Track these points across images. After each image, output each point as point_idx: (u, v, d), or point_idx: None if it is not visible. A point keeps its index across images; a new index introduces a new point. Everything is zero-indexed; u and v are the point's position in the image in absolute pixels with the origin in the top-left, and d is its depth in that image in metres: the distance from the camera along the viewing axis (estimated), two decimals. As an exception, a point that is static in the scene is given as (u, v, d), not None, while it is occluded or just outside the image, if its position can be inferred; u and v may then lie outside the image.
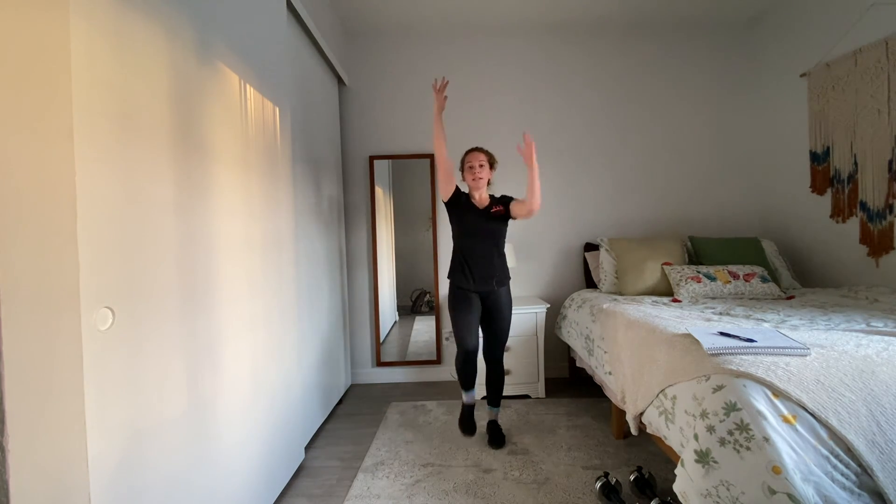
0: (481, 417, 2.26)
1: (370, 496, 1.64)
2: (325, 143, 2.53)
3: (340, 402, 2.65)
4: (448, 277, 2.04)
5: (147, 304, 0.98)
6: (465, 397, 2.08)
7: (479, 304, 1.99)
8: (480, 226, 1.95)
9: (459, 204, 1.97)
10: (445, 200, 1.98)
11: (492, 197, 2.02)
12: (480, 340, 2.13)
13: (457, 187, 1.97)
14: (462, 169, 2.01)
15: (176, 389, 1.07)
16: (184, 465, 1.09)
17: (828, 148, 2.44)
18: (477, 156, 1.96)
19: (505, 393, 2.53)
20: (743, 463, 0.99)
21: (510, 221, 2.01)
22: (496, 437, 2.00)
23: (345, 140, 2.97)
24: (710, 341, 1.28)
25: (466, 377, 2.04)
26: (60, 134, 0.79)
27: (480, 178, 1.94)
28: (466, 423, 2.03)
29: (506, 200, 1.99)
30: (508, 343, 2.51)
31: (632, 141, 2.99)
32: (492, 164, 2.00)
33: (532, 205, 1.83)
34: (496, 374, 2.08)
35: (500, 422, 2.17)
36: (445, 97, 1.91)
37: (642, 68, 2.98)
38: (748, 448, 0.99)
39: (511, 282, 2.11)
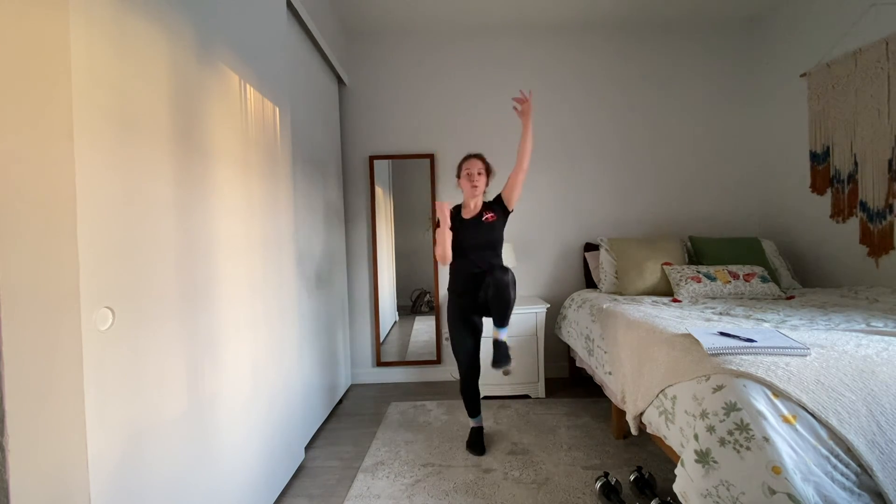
0: (486, 341, 2.16)
1: (370, 496, 1.64)
2: (325, 143, 2.53)
3: (340, 402, 2.65)
4: (448, 290, 2.03)
5: (147, 304, 0.98)
6: (472, 422, 2.06)
7: (478, 323, 2.00)
8: (475, 235, 1.94)
9: (454, 226, 1.96)
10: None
11: (484, 203, 2.01)
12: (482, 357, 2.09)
13: (451, 212, 1.95)
14: (459, 175, 2.01)
15: (176, 389, 1.07)
16: (184, 464, 1.09)
17: (828, 148, 2.44)
18: (475, 163, 1.96)
19: (505, 393, 2.53)
20: (743, 463, 0.99)
21: (510, 216, 2.03)
22: (500, 356, 1.85)
23: (345, 140, 2.97)
24: (710, 341, 1.28)
25: (471, 405, 2.03)
26: (60, 134, 0.79)
27: (477, 187, 1.94)
28: (475, 445, 1.97)
29: (497, 201, 1.99)
30: (508, 343, 2.51)
31: (632, 141, 2.99)
32: (489, 171, 2.00)
33: (522, 163, 1.87)
34: (498, 292, 1.80)
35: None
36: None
37: (642, 69, 2.98)
38: (748, 448, 0.99)
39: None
